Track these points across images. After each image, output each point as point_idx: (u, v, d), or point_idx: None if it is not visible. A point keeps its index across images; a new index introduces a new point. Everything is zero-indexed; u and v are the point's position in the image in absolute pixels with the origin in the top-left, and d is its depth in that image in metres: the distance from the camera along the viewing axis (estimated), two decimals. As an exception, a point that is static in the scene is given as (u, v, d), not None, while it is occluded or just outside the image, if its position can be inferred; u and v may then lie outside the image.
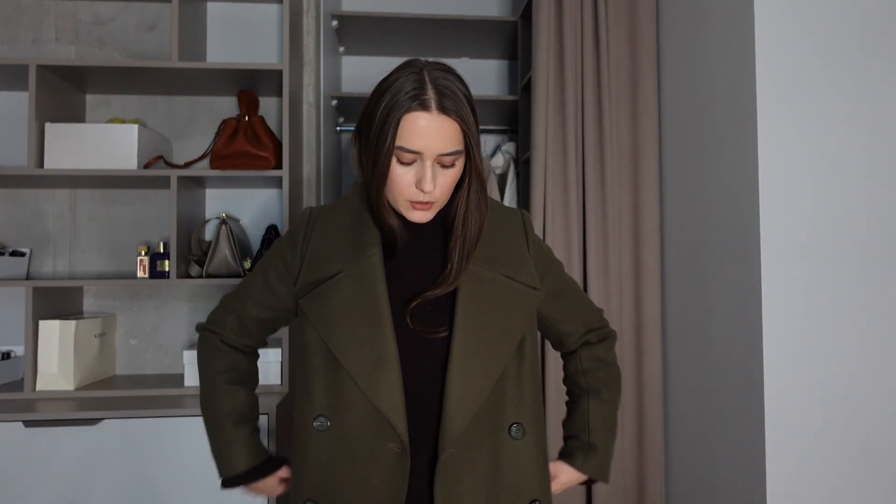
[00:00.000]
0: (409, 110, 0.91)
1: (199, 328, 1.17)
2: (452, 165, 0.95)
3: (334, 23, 2.29)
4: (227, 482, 1.11)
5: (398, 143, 0.92)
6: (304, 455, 1.01)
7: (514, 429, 1.00)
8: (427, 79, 0.92)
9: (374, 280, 0.98)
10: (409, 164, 0.93)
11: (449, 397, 0.95)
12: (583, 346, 1.19)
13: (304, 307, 1.03)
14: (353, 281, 0.99)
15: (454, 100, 0.92)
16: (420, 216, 0.97)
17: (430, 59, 0.98)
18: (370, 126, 0.95)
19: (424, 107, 0.91)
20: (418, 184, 0.93)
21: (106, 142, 1.84)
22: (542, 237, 1.84)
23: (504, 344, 0.99)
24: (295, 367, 1.14)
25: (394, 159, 0.93)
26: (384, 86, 0.95)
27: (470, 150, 0.96)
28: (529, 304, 1.04)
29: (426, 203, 0.96)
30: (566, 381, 1.22)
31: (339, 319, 0.98)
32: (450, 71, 0.95)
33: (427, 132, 0.91)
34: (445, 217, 1.03)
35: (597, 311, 1.21)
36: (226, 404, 1.11)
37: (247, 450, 1.11)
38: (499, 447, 0.99)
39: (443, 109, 0.91)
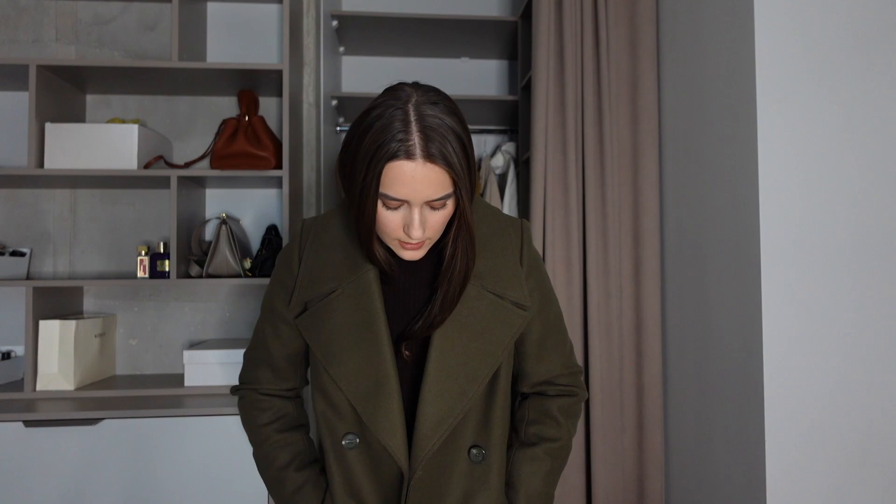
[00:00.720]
0: (392, 158, 0.83)
1: (234, 390, 1.12)
2: (443, 206, 0.89)
3: (334, 23, 2.29)
4: None
5: (382, 190, 0.86)
6: (337, 473, 1.00)
7: (473, 452, 0.98)
8: (412, 118, 0.84)
9: (371, 297, 0.96)
10: (395, 209, 0.88)
11: (421, 419, 0.93)
12: (534, 396, 1.10)
13: (300, 327, 1.00)
14: (348, 298, 0.97)
15: (441, 142, 0.84)
16: (411, 255, 0.93)
17: (420, 85, 0.91)
18: (353, 164, 0.88)
19: (409, 155, 0.83)
20: (405, 229, 0.89)
21: (106, 142, 1.84)
22: (542, 237, 1.84)
23: (483, 366, 0.96)
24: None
25: (380, 204, 0.88)
26: (367, 121, 0.87)
27: (459, 196, 0.89)
28: (516, 325, 0.99)
29: (416, 244, 0.91)
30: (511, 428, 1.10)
31: (336, 341, 0.96)
32: (439, 101, 0.87)
33: (412, 181, 0.84)
34: (440, 248, 0.99)
35: (571, 365, 1.11)
36: (284, 454, 1.05)
37: (320, 489, 1.04)
38: (458, 469, 0.97)
39: (428, 157, 0.83)
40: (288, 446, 1.06)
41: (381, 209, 0.89)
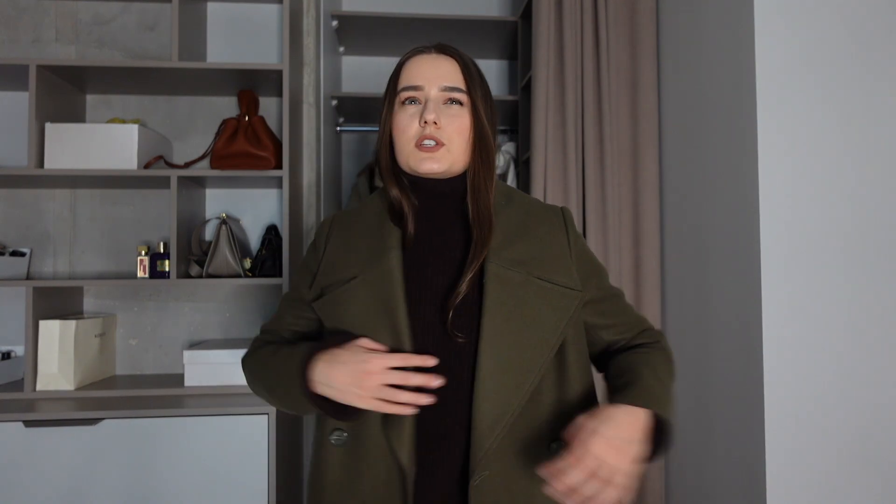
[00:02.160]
0: (409, 58, 0.93)
1: (243, 359, 1.06)
2: (459, 103, 0.90)
3: (334, 23, 2.29)
4: (306, 362, 0.89)
5: (399, 87, 0.91)
6: (321, 470, 0.94)
7: (553, 446, 0.89)
8: (431, 44, 0.95)
9: (392, 285, 0.89)
10: (413, 104, 0.91)
11: (477, 415, 0.85)
12: (635, 347, 1.01)
13: (318, 311, 0.96)
14: (368, 286, 0.91)
15: (454, 50, 0.93)
16: (429, 164, 0.90)
17: None
18: (383, 102, 0.96)
19: (423, 51, 0.93)
20: (421, 120, 0.89)
21: (106, 142, 1.84)
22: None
23: (538, 356, 0.88)
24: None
25: (397, 106, 0.92)
26: None
27: (474, 103, 0.92)
28: (569, 308, 0.91)
29: (433, 144, 0.89)
30: (606, 377, 1.01)
31: (355, 329, 0.90)
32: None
33: (425, 67, 0.91)
34: (466, 214, 0.95)
35: (646, 321, 1.05)
36: (282, 351, 0.97)
37: (314, 343, 0.94)
38: (536, 467, 0.86)
39: (441, 50, 0.92)
40: (283, 346, 0.99)
41: (398, 112, 0.92)
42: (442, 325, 0.89)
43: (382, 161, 0.95)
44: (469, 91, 0.91)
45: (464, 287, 0.88)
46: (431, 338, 0.89)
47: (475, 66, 0.95)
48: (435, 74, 0.90)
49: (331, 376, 0.86)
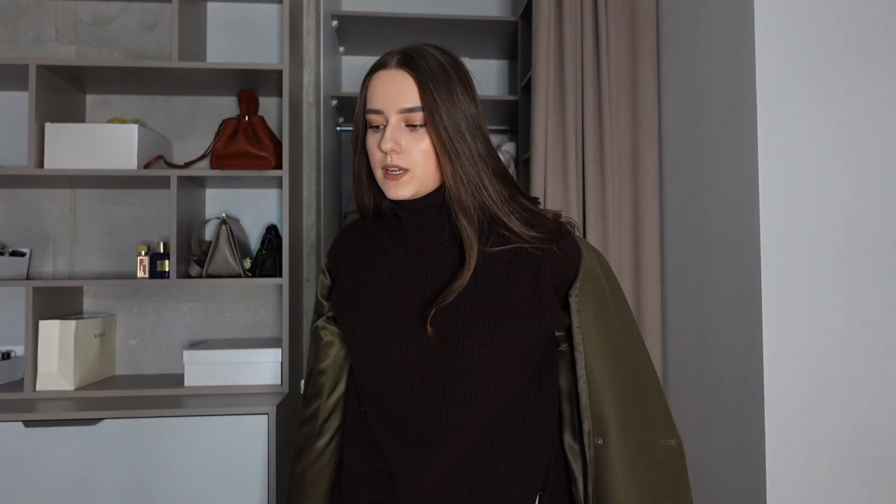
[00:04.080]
0: (372, 73, 0.91)
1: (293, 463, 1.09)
2: (420, 125, 0.87)
3: (334, 23, 2.29)
4: None
5: (367, 107, 0.90)
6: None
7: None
8: (399, 48, 0.91)
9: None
10: (377, 127, 0.90)
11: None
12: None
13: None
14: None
15: (417, 57, 0.88)
16: (394, 188, 0.89)
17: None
18: (357, 114, 0.94)
19: (384, 65, 0.90)
20: (380, 145, 0.87)
21: (106, 142, 1.84)
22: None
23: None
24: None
25: (368, 133, 0.91)
26: None
27: (431, 114, 0.86)
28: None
29: (395, 171, 0.88)
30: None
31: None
32: (437, 47, 0.92)
33: (385, 87, 0.88)
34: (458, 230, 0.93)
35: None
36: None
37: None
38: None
39: (401, 64, 0.88)
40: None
41: (368, 136, 0.91)
42: (425, 329, 0.91)
43: (363, 177, 0.95)
44: (424, 107, 0.87)
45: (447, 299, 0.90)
46: (418, 343, 0.92)
47: (441, 66, 0.89)
48: (394, 94, 0.87)
49: None
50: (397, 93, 0.87)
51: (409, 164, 0.88)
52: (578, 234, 1.00)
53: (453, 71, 0.91)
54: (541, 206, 0.99)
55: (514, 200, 0.94)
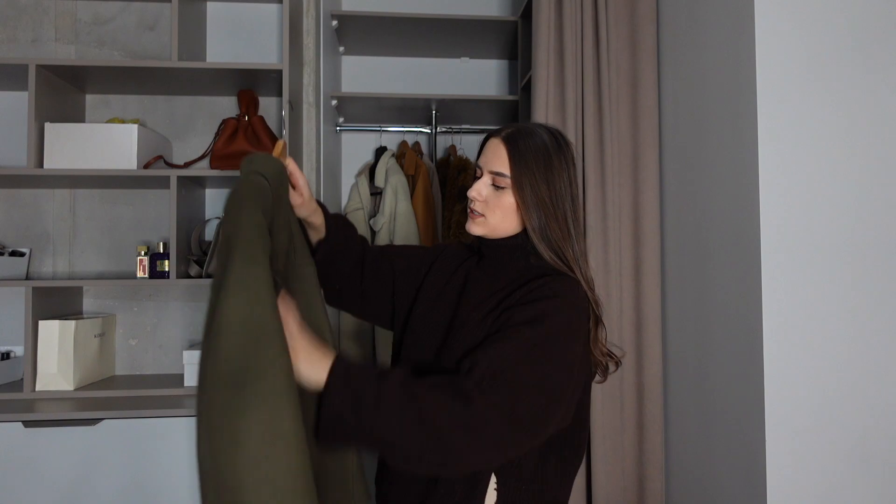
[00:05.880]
0: (487, 139, 1.12)
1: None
2: (503, 188, 1.07)
3: (334, 23, 2.29)
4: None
5: (477, 160, 1.14)
6: None
7: None
8: (515, 125, 1.11)
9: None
10: (478, 177, 1.11)
11: None
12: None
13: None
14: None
15: (522, 136, 1.07)
16: (469, 226, 1.12)
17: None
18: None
19: (495, 134, 1.10)
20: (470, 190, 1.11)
21: (106, 142, 1.84)
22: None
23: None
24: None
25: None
26: None
27: (518, 187, 1.05)
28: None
29: (475, 213, 1.10)
30: None
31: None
32: (549, 129, 1.11)
33: (488, 153, 1.10)
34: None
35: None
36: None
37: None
38: None
39: (504, 139, 1.07)
40: None
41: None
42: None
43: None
44: (513, 175, 1.06)
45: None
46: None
47: (541, 147, 1.06)
48: (490, 159, 1.09)
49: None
50: (492, 158, 1.09)
51: (485, 211, 1.10)
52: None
53: (553, 152, 1.08)
54: (580, 270, 1.09)
55: (557, 256, 1.08)
